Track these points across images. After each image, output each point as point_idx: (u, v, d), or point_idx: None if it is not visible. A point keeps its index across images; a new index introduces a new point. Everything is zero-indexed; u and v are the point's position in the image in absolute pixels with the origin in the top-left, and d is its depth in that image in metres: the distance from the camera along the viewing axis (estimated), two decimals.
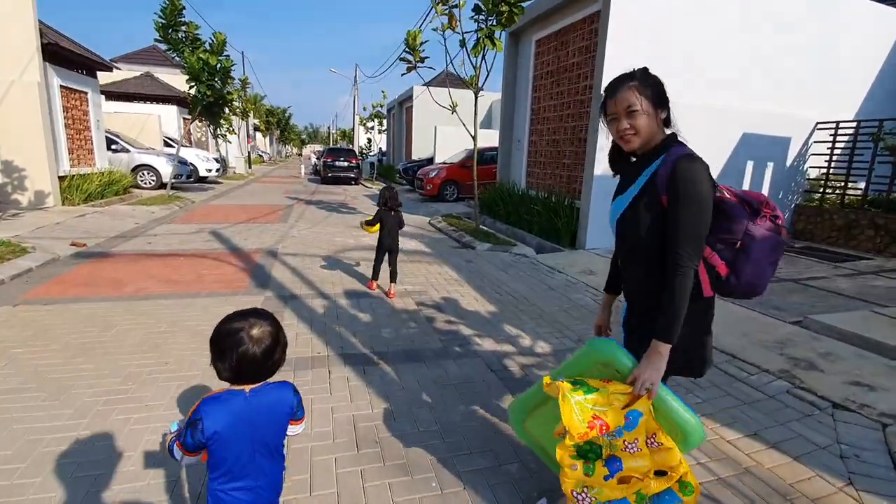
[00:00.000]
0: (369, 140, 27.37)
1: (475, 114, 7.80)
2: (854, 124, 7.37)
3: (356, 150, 25.53)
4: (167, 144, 16.15)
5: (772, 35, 7.12)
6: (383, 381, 2.94)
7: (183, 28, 10.50)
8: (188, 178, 14.46)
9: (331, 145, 50.47)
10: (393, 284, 4.79)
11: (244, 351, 1.15)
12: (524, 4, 6.15)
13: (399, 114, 25.77)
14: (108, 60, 11.68)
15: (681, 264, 1.33)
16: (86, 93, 10.56)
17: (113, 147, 12.51)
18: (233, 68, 11.55)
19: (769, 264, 1.43)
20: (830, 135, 7.63)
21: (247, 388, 1.21)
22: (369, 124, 25.71)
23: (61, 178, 9.13)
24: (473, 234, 7.90)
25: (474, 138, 7.66)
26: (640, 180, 1.47)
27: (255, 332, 1.18)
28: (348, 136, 40.12)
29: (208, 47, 10.94)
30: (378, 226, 4.71)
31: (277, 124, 45.66)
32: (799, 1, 7.24)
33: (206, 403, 1.17)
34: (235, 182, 18.81)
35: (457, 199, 13.60)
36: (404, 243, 7.38)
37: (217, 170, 17.05)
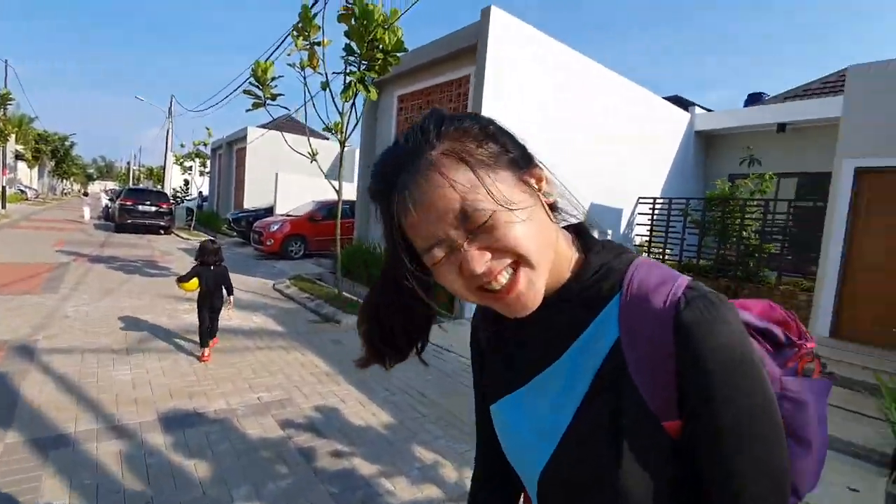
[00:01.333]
0: (187, 182, 23.46)
1: (340, 164, 6.82)
2: (666, 200, 8.75)
3: (169, 192, 21.43)
4: None
5: (614, 122, 8.13)
6: None
7: None
8: None
9: (131, 184, 42.10)
10: (212, 341, 4.45)
11: None
12: (400, 55, 5.62)
13: (228, 155, 22.79)
14: None
15: None
16: None
17: None
18: None
19: (824, 423, 0.64)
20: (650, 208, 8.92)
21: None
22: (187, 164, 22.04)
23: None
24: (335, 303, 6.66)
25: (338, 191, 6.63)
26: (570, 362, 0.60)
27: None
28: (156, 174, 33.83)
29: None
30: (195, 281, 4.31)
31: (53, 154, 36.25)
32: (630, 96, 8.53)
33: None
34: None
35: (303, 255, 12.02)
36: (244, 319, 5.80)
37: None
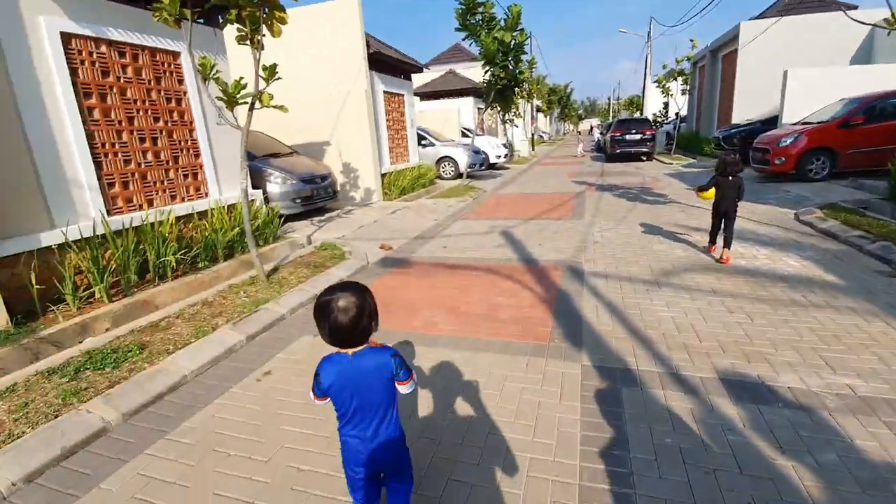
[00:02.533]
0: (665, 105, 22.93)
1: None
2: None
3: (649, 118, 21.70)
4: (464, 135, 17.07)
5: None
6: None
7: (480, 10, 10.06)
8: (480, 166, 14.77)
9: (611, 117, 46.46)
10: (726, 250, 4.73)
11: (334, 319, 1.34)
12: None
13: (711, 65, 20.35)
14: (421, 63, 12.61)
15: None
16: (402, 95, 11.55)
17: (422, 142, 13.70)
18: (526, 43, 10.55)
19: None
20: None
21: (349, 351, 1.41)
22: (668, 84, 21.32)
23: (383, 176, 10.15)
24: None
25: None
26: None
27: (341, 303, 1.34)
28: (636, 103, 35.47)
29: (502, 24, 10.23)
30: (713, 191, 4.72)
31: (559, 102, 44.90)
32: None
33: (323, 361, 1.44)
34: (520, 166, 18.60)
35: (827, 176, 9.00)
36: (772, 259, 4.67)
37: (505, 156, 17.08)
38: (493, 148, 16.36)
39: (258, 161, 7.50)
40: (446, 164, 13.85)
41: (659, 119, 22.76)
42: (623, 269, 4.71)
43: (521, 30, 10.37)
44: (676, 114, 22.50)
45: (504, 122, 19.43)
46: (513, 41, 10.35)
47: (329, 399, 1.45)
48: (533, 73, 30.04)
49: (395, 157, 11.21)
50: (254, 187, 6.54)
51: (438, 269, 5.13)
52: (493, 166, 16.74)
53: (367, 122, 9.29)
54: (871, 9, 13.33)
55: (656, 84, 20.14)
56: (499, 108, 14.17)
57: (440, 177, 13.72)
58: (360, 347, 1.42)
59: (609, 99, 64.97)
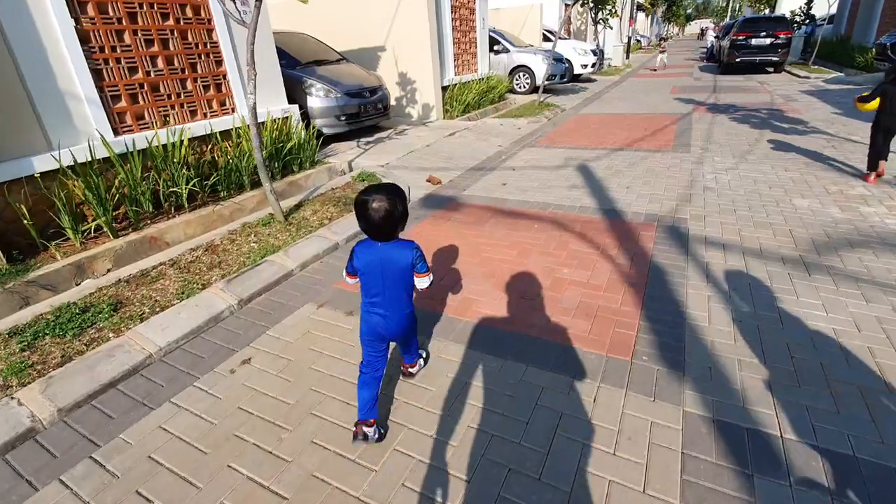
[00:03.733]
0: (809, 1, 17.96)
1: None
2: None
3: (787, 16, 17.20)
4: (546, 39, 14.61)
5: None
6: None
7: None
8: (562, 77, 12.63)
9: (728, 19, 38.44)
10: (883, 162, 4.17)
11: (368, 216, 1.57)
12: None
13: None
14: None
15: None
16: None
17: (495, 48, 11.78)
18: None
19: None
20: None
21: (380, 242, 1.66)
22: None
23: (444, 89, 8.77)
24: None
25: None
26: None
27: (375, 204, 1.55)
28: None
29: None
30: (878, 101, 4.12)
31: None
32: None
33: (358, 245, 1.69)
34: (611, 78, 15.89)
35: None
36: None
37: (593, 65, 14.52)
38: (579, 55, 13.88)
39: (299, 69, 6.51)
40: (521, 74, 11.92)
41: (798, 19, 18.05)
42: (749, 236, 3.37)
43: None
44: (827, 15, 17.65)
45: (596, 21, 16.36)
46: None
47: (356, 279, 1.74)
48: None
49: (461, 65, 9.64)
50: (290, 101, 5.66)
51: (492, 215, 4.08)
52: (577, 78, 14.37)
53: (427, 19, 7.77)
54: None
55: None
56: (591, 5, 11.63)
57: (513, 90, 11.92)
58: (390, 240, 1.66)
59: None
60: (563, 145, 6.62)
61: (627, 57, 22.87)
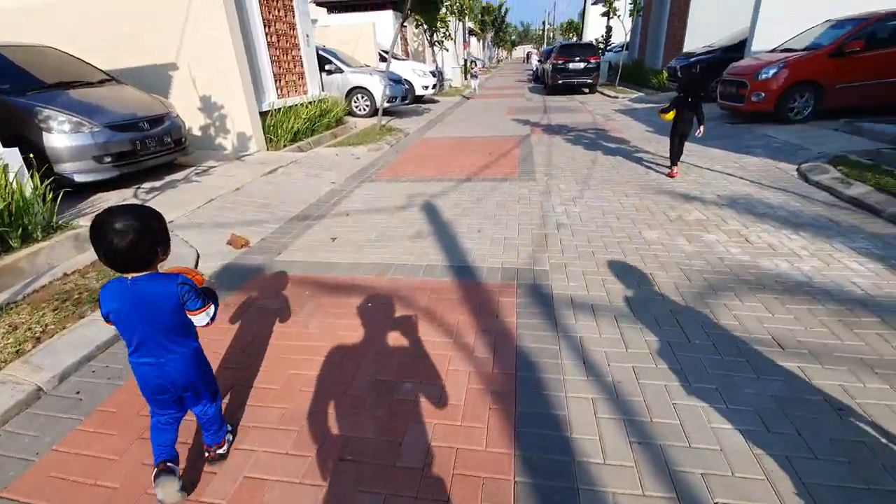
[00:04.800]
0: (609, 30, 20.84)
1: None
2: None
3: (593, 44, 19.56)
4: (382, 59, 14.07)
5: None
6: None
7: None
8: (403, 99, 12.12)
9: (545, 45, 43.57)
10: (675, 167, 5.24)
11: (108, 242, 1.20)
12: None
13: None
14: None
15: None
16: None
17: (327, 67, 10.71)
18: None
19: None
20: None
21: (129, 276, 1.29)
22: (615, 2, 19.05)
23: (264, 115, 7.40)
24: None
25: None
26: None
27: (119, 225, 1.20)
28: (575, 27, 32.69)
29: None
30: (673, 113, 5.02)
31: (493, 24, 41.13)
32: None
33: (106, 287, 1.32)
34: (452, 99, 16.04)
35: (810, 116, 7.64)
36: (830, 261, 2.94)
37: (434, 86, 14.41)
38: (419, 76, 13.62)
39: (29, 96, 4.61)
40: (360, 96, 11.07)
41: (601, 45, 20.75)
42: (614, 289, 2.88)
43: None
44: (624, 42, 20.61)
45: (432, 44, 16.44)
46: None
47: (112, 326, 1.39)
48: None
49: (285, 86, 8.37)
50: (19, 140, 3.83)
51: (312, 293, 3.01)
52: (420, 99, 14.09)
53: (228, 30, 6.38)
54: None
55: (604, 1, 17.87)
56: (423, 24, 11.37)
57: (353, 113, 10.99)
58: (142, 273, 1.31)
59: (543, 23, 61.11)
60: (407, 177, 5.87)
61: (465, 78, 23.83)
